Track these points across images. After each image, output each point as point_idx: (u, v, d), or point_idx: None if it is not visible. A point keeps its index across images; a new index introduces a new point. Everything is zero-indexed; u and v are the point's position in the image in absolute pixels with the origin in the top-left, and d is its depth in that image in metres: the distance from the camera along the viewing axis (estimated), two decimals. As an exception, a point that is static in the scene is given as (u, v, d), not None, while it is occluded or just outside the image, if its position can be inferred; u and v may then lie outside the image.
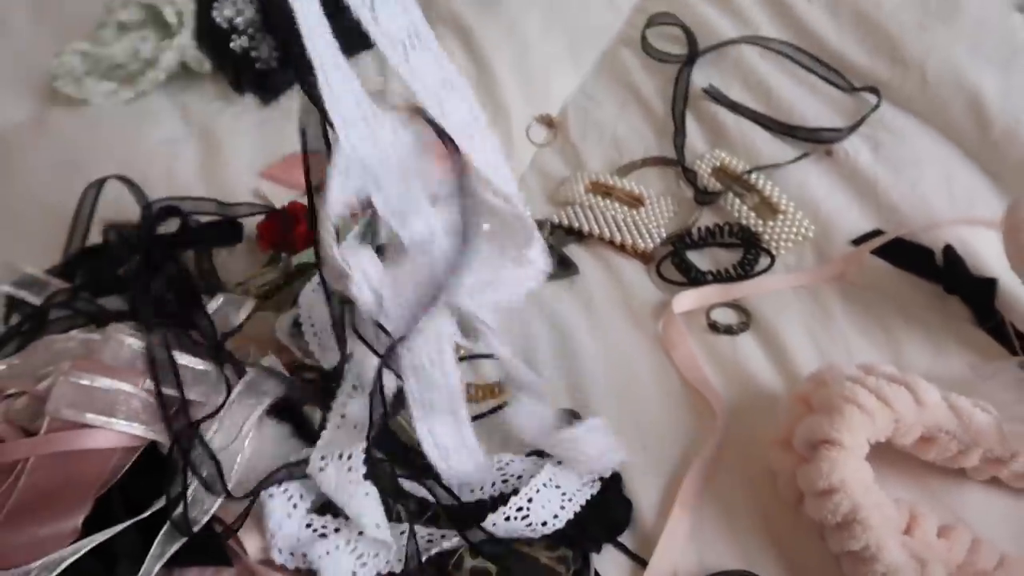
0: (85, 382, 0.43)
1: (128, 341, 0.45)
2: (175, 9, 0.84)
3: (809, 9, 0.80)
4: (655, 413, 0.54)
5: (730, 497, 0.49)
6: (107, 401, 0.43)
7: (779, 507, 0.47)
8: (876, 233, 0.61)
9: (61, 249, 0.67)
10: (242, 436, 0.46)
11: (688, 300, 0.59)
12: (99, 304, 0.55)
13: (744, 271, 0.60)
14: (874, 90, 0.71)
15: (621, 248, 0.65)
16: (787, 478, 0.45)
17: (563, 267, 0.64)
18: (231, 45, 0.83)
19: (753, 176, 0.66)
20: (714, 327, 0.58)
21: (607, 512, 0.49)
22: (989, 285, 0.55)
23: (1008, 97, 0.67)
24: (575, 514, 0.47)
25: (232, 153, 0.76)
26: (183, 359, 0.48)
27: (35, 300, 0.60)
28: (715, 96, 0.74)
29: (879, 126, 0.68)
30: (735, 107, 0.73)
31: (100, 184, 0.68)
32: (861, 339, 0.56)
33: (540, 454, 0.50)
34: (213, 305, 0.55)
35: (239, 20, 0.85)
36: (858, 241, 0.61)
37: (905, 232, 0.59)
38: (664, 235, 0.65)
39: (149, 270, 0.60)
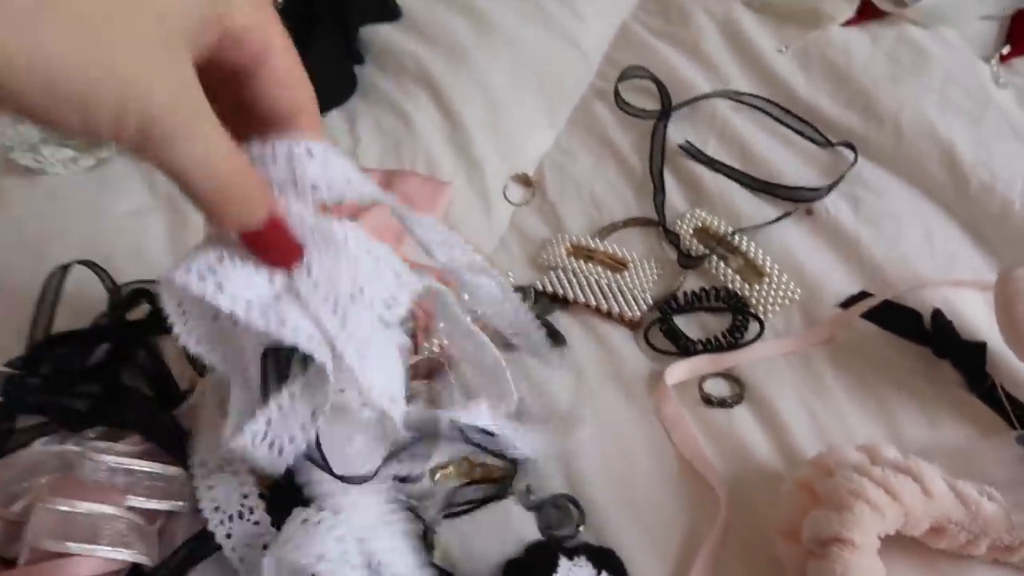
0: (64, 508, 0.40)
1: (106, 459, 0.43)
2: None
3: (781, 61, 0.80)
4: (654, 491, 0.53)
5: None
6: (89, 526, 0.40)
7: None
8: (863, 295, 0.61)
9: (21, 336, 0.64)
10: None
11: (679, 372, 0.58)
12: (69, 404, 0.53)
13: (734, 338, 0.60)
14: (850, 145, 0.71)
15: (607, 315, 0.64)
16: (796, 571, 0.44)
17: (550, 338, 0.62)
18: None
19: (736, 238, 0.66)
20: (708, 400, 0.57)
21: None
22: (979, 349, 0.55)
23: (981, 150, 0.68)
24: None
25: (202, 225, 0.73)
26: (155, 467, 0.45)
27: (-3, 398, 0.57)
28: (692, 153, 0.74)
29: (857, 182, 0.69)
30: (713, 164, 0.72)
31: (64, 270, 0.65)
32: (855, 409, 0.55)
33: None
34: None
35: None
36: (845, 304, 0.61)
37: (892, 294, 0.59)
38: (650, 301, 0.64)
39: (119, 360, 0.57)
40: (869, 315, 0.59)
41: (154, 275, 0.67)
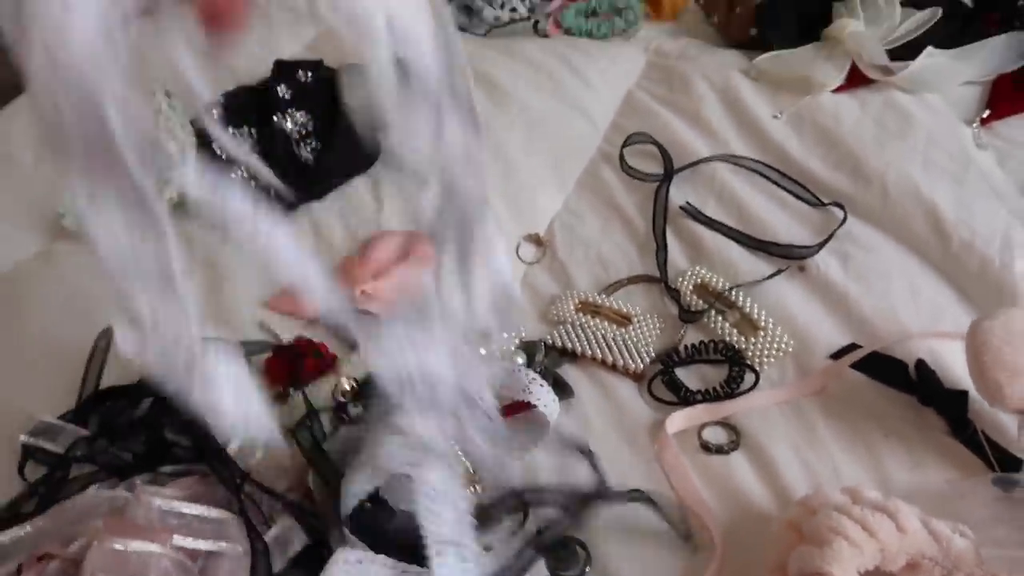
0: (118, 547, 0.45)
1: (156, 502, 0.47)
2: (178, 144, 0.89)
3: (776, 126, 0.86)
4: (654, 533, 0.57)
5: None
6: (139, 564, 0.45)
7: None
8: (852, 347, 0.65)
9: (71, 388, 0.69)
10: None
11: (679, 420, 0.62)
12: (118, 454, 0.58)
13: (731, 389, 0.64)
14: (840, 205, 0.76)
15: (613, 368, 0.68)
16: (785, 605, 0.48)
17: (559, 390, 0.67)
18: (231, 176, 0.88)
19: (733, 293, 0.70)
20: (706, 447, 0.61)
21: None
22: (961, 397, 0.59)
23: (962, 209, 0.72)
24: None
25: (236, 284, 0.79)
26: (198, 510, 0.50)
27: (52, 447, 0.62)
28: (692, 214, 0.79)
29: (847, 239, 0.73)
30: (711, 224, 0.77)
31: (107, 338, 0.71)
32: (844, 455, 0.59)
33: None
34: (232, 447, 0.58)
35: (239, 152, 0.90)
36: (836, 355, 0.65)
37: (879, 346, 0.63)
38: (652, 354, 0.68)
39: (163, 415, 0.62)
40: (858, 365, 0.63)
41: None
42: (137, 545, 0.46)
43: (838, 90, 0.88)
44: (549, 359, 0.69)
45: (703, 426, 0.62)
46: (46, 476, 0.58)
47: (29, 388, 0.70)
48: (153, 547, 0.46)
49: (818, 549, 0.45)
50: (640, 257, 0.77)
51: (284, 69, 0.98)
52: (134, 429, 0.62)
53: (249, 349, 0.71)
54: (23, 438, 0.63)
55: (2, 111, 1.09)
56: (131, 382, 0.67)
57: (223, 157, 0.88)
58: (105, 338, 0.71)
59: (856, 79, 0.88)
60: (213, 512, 0.50)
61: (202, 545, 0.47)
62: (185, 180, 0.89)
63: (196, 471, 0.56)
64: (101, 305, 0.77)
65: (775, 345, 0.66)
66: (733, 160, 0.83)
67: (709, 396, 0.64)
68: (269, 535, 0.49)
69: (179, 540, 0.47)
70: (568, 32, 1.09)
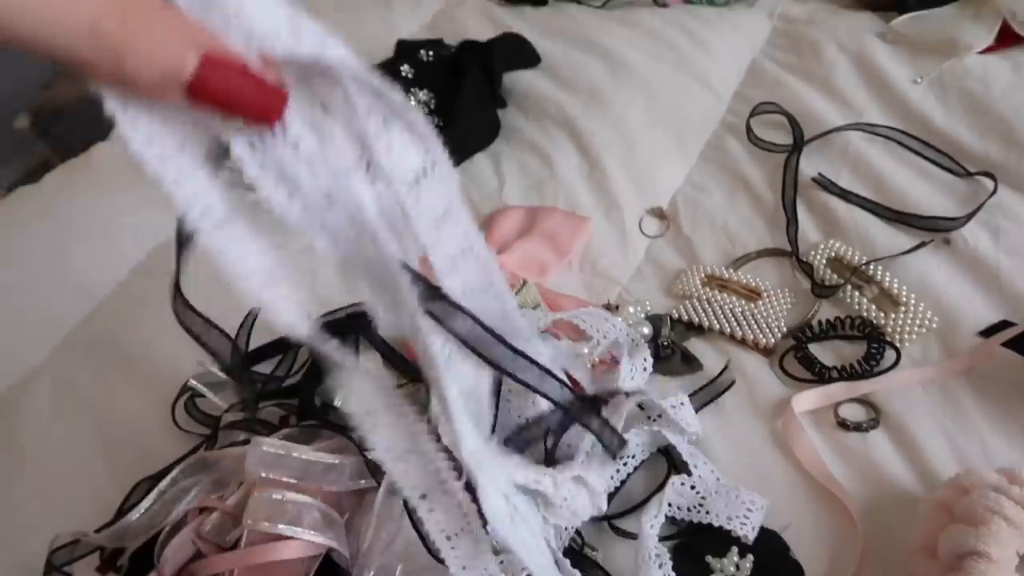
0: (277, 496, 0.48)
1: (269, 450, 0.51)
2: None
3: (916, 92, 0.81)
4: (787, 513, 0.56)
5: (874, 602, 0.50)
6: (295, 513, 0.48)
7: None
8: (1004, 324, 0.61)
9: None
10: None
11: (811, 398, 0.61)
12: (268, 423, 0.62)
13: (869, 366, 0.62)
14: (989, 175, 0.71)
15: (742, 342, 0.67)
16: (934, 587, 0.46)
17: (686, 363, 0.66)
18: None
19: (871, 268, 0.67)
20: (843, 425, 0.59)
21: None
22: None
23: None
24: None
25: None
26: (312, 455, 0.53)
27: (214, 398, 0.68)
28: (825, 185, 0.76)
29: (997, 212, 0.69)
30: (846, 195, 0.74)
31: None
32: (996, 436, 0.56)
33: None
34: (338, 400, 0.61)
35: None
36: (986, 333, 0.61)
37: (1035, 323, 0.59)
38: (784, 329, 0.67)
39: (315, 378, 0.66)
40: (1012, 344, 0.59)
41: (327, 302, 0.76)
42: (292, 496, 0.49)
43: (986, 51, 0.82)
44: (676, 332, 0.69)
45: (839, 404, 0.60)
46: (207, 437, 0.63)
47: (183, 351, 0.75)
48: (306, 498, 0.49)
49: (973, 529, 0.43)
50: (769, 231, 0.75)
51: (406, 49, 1.00)
52: (285, 393, 0.66)
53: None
54: (192, 382, 0.68)
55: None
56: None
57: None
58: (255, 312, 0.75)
59: (1008, 39, 0.82)
60: (352, 459, 0.52)
61: (351, 486, 0.50)
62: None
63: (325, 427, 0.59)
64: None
65: (918, 321, 0.64)
66: (869, 129, 0.79)
67: (846, 373, 0.62)
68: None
69: (328, 487, 0.50)
70: (688, 1, 1.07)
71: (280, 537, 0.48)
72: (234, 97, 0.28)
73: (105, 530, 0.57)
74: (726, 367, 0.64)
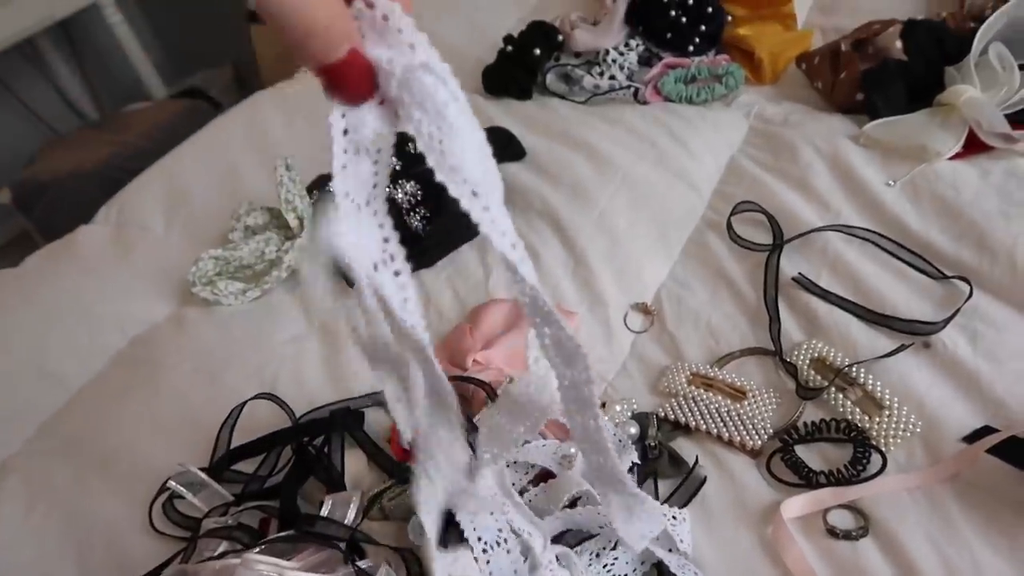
0: (257, 619, 0.47)
1: (263, 570, 0.49)
2: (296, 214, 0.94)
3: (890, 195, 0.84)
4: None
5: None
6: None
7: None
8: (987, 430, 0.62)
9: (195, 444, 0.73)
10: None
11: (800, 504, 0.60)
12: (249, 528, 0.60)
13: (856, 471, 0.62)
14: (964, 279, 0.73)
15: (728, 443, 0.67)
16: None
17: (673, 464, 0.66)
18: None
19: (854, 370, 0.68)
20: (833, 533, 0.59)
21: None
22: (1112, 489, 0.55)
23: (1102, 284, 0.69)
24: None
25: (352, 349, 0.82)
26: None
27: (194, 500, 0.66)
28: (805, 285, 0.78)
29: (974, 316, 0.70)
30: (827, 296, 0.76)
31: (244, 404, 0.74)
32: (984, 547, 0.56)
33: None
34: (324, 510, 0.60)
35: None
36: (969, 439, 0.62)
37: (1019, 430, 0.60)
38: (770, 430, 0.67)
39: (298, 479, 0.65)
40: (995, 450, 0.60)
41: (312, 398, 0.75)
42: (275, 618, 0.47)
43: (955, 157, 0.86)
44: (662, 432, 0.69)
45: (828, 509, 0.60)
46: (185, 547, 0.61)
47: (162, 448, 0.74)
48: (289, 619, 0.48)
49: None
50: (752, 329, 0.77)
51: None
52: (268, 495, 0.65)
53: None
54: (171, 483, 0.66)
55: (133, 182, 1.18)
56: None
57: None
58: (238, 409, 0.74)
59: (974, 146, 0.86)
60: None
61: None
62: (303, 249, 0.94)
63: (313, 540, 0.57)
64: (227, 372, 0.81)
65: (902, 425, 0.64)
66: (846, 230, 0.82)
67: (833, 478, 0.62)
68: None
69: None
70: (668, 99, 1.11)
71: (262, 659, 0.46)
72: (353, 87, 0.34)
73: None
74: (696, 462, 0.64)
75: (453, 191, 0.36)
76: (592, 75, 1.16)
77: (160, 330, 0.89)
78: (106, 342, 0.89)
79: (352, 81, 0.34)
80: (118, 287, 0.96)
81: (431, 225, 0.94)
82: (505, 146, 1.04)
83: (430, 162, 0.35)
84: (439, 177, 0.35)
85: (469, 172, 0.36)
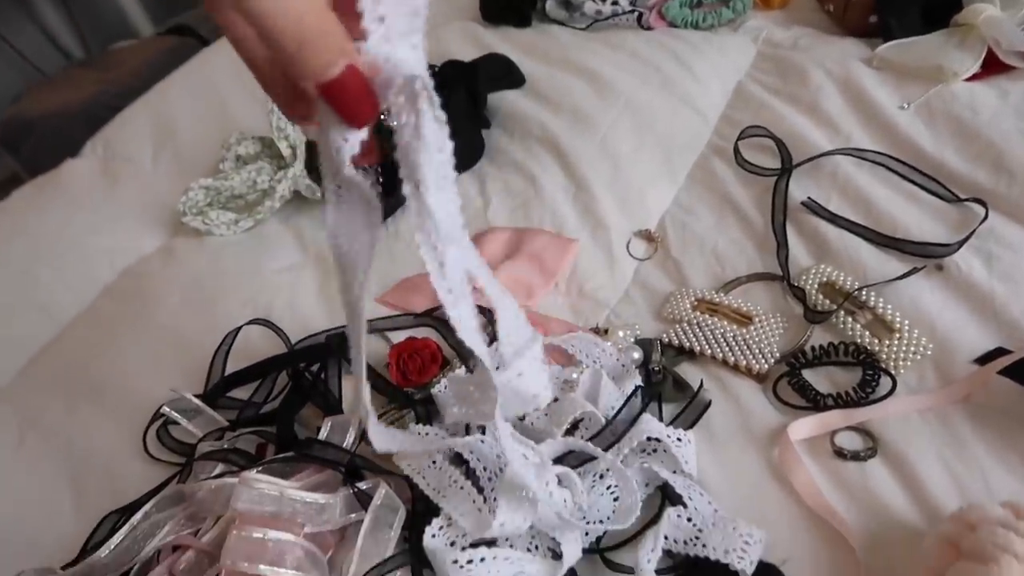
0: (257, 535, 0.46)
1: (263, 488, 0.48)
2: (288, 142, 0.91)
3: (904, 118, 0.81)
4: (786, 546, 0.54)
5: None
6: (277, 553, 0.46)
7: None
8: (999, 351, 0.60)
9: (193, 376, 0.72)
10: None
11: (807, 426, 0.59)
12: (246, 452, 0.59)
13: (865, 393, 0.60)
14: (980, 201, 0.71)
15: (734, 368, 0.66)
16: (941, 625, 0.44)
17: (678, 389, 0.65)
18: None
19: (864, 293, 0.66)
20: (841, 454, 0.57)
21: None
22: None
23: (1122, 204, 0.67)
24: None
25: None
26: (307, 496, 0.50)
27: (188, 425, 0.65)
28: (814, 209, 0.75)
29: (989, 238, 0.68)
30: (837, 220, 0.74)
31: (238, 329, 0.72)
32: (996, 466, 0.55)
33: None
34: (323, 433, 0.59)
35: (347, 149, 0.91)
36: (982, 360, 0.61)
37: (1031, 351, 0.59)
38: (777, 354, 0.65)
39: (295, 404, 0.63)
40: (1007, 372, 0.58)
41: (307, 325, 0.74)
42: (274, 534, 0.46)
43: (973, 79, 0.82)
44: (666, 357, 0.67)
45: (835, 431, 0.59)
46: (181, 468, 0.60)
47: (155, 377, 0.72)
48: (287, 536, 0.46)
49: (982, 567, 0.42)
50: (759, 254, 0.74)
51: (389, 68, 0.99)
52: (263, 421, 0.64)
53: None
54: (165, 409, 0.65)
55: (119, 116, 1.14)
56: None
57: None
58: (233, 334, 0.72)
59: (993, 66, 0.82)
60: (317, 497, 0.50)
61: (331, 527, 0.47)
62: (296, 176, 0.91)
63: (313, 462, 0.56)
64: (218, 301, 0.79)
65: (912, 348, 0.63)
66: (857, 153, 0.79)
67: (842, 400, 0.60)
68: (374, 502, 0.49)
69: (309, 528, 0.47)
70: (673, 24, 1.07)
71: (259, 577, 0.45)
72: (352, 105, 0.32)
73: (71, 568, 0.53)
74: (700, 386, 0.63)
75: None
76: (594, 0, 1.12)
77: (150, 261, 0.87)
78: (96, 274, 0.87)
79: (352, 99, 0.32)
80: (107, 220, 0.94)
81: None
82: (504, 73, 1.00)
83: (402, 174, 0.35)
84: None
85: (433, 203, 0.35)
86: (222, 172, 0.93)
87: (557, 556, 0.52)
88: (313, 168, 0.90)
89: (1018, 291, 0.64)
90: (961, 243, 0.68)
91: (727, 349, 0.66)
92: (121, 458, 0.66)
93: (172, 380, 0.71)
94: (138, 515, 0.53)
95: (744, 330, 0.68)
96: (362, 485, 0.54)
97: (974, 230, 0.68)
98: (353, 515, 0.52)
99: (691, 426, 0.62)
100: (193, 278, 0.83)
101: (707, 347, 0.67)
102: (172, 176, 0.99)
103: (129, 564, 0.51)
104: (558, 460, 0.57)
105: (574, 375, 0.64)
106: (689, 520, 0.54)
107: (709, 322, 0.69)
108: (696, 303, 0.71)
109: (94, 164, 1.06)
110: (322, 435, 0.58)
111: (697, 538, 0.53)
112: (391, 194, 0.35)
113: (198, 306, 0.79)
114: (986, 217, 0.69)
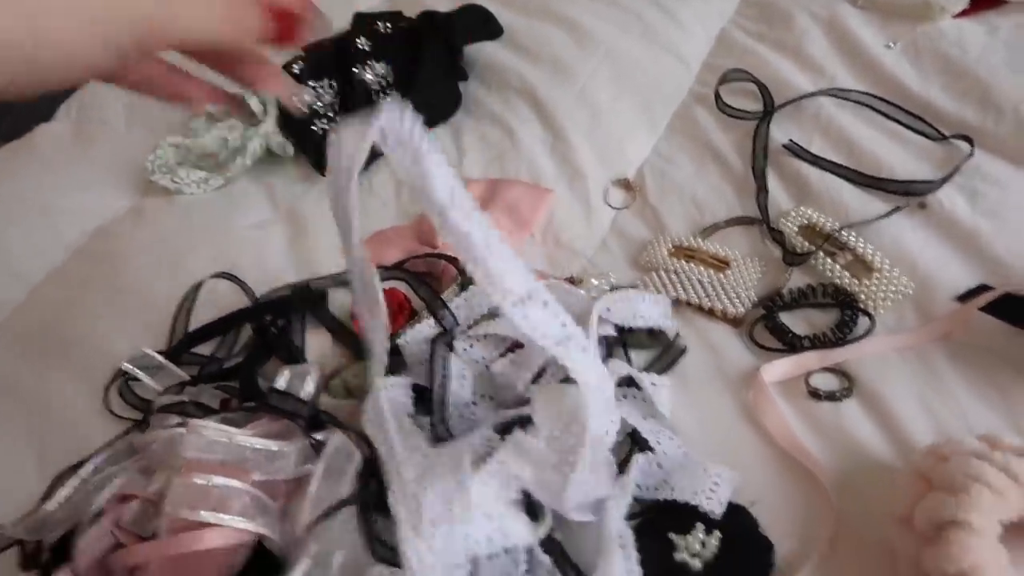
0: (201, 481, 0.44)
1: (209, 435, 0.46)
2: (259, 98, 0.88)
3: (890, 57, 0.78)
4: (756, 488, 0.52)
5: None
6: (220, 498, 0.44)
7: (902, 589, 0.45)
8: (982, 288, 0.58)
9: (157, 333, 0.70)
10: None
11: (781, 367, 0.57)
12: (206, 406, 0.57)
13: (843, 334, 0.58)
14: (966, 138, 0.68)
15: (710, 313, 0.64)
16: (910, 560, 0.43)
17: (652, 336, 0.63)
18: (312, 128, 0.87)
19: (843, 234, 0.64)
20: (815, 394, 0.56)
21: (750, 554, 0.48)
22: (1114, 341, 0.52)
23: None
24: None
25: (318, 233, 0.78)
26: (257, 443, 0.49)
27: (149, 381, 0.63)
28: (796, 152, 0.73)
29: (975, 175, 0.66)
30: (818, 161, 0.71)
31: (199, 283, 0.71)
32: (976, 403, 0.53)
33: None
34: (281, 382, 0.57)
35: (319, 105, 0.89)
36: (963, 297, 0.58)
37: (1015, 286, 0.56)
38: (754, 298, 0.63)
39: (259, 358, 0.62)
40: (990, 308, 0.56)
41: (276, 281, 0.72)
42: (218, 480, 0.45)
43: (961, 15, 0.79)
44: (641, 305, 0.65)
45: (810, 373, 0.57)
46: (137, 422, 0.59)
47: (119, 329, 0.71)
48: (234, 482, 0.45)
49: (953, 497, 0.40)
50: (738, 199, 0.72)
51: (363, 21, 0.96)
52: (226, 376, 0.62)
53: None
54: (125, 365, 0.64)
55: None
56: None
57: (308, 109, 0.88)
58: (194, 289, 0.71)
59: (982, 3, 0.79)
60: (287, 446, 0.48)
61: (281, 476, 0.46)
62: (268, 133, 0.89)
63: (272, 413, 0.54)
64: (188, 258, 0.78)
65: (892, 287, 0.60)
66: (840, 94, 0.76)
67: (818, 342, 0.58)
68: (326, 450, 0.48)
69: (257, 475, 0.46)
70: (656, -27, 1.03)
71: (204, 525, 0.44)
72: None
73: (22, 521, 0.52)
74: (676, 336, 0.61)
75: None
76: (575, -50, 1.08)
77: (120, 222, 0.85)
78: (66, 236, 0.86)
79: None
80: (78, 182, 0.92)
81: None
82: (481, 24, 0.97)
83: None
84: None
85: None
86: (191, 130, 0.91)
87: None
88: (285, 125, 0.88)
89: (1003, 227, 0.62)
90: (945, 179, 0.65)
91: (703, 294, 0.64)
92: (84, 417, 0.65)
93: (139, 338, 0.70)
94: (88, 467, 0.51)
95: (721, 275, 0.66)
96: (319, 436, 0.52)
97: (958, 166, 0.66)
98: (309, 465, 0.50)
99: (664, 372, 0.60)
100: (163, 236, 0.81)
101: (683, 293, 0.65)
102: (146, 138, 0.96)
103: (80, 517, 0.50)
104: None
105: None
106: (658, 465, 0.53)
107: (686, 268, 0.67)
108: (673, 250, 0.69)
109: (67, 127, 1.04)
110: (280, 383, 0.56)
111: (666, 482, 0.52)
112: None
113: (166, 264, 0.77)
114: (972, 153, 0.67)
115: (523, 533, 0.47)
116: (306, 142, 0.87)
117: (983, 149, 0.68)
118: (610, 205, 0.76)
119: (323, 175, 0.85)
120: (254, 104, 0.88)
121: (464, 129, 0.86)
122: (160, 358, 0.63)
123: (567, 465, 0.45)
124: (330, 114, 0.88)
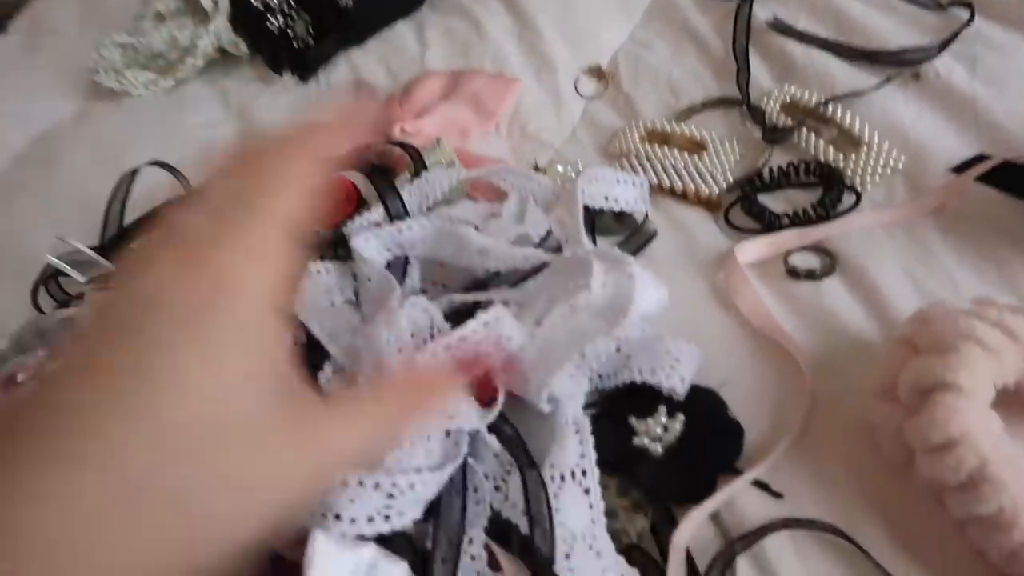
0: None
1: None
2: (212, -3, 0.82)
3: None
4: (729, 368, 0.48)
5: (824, 458, 0.43)
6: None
7: (882, 467, 0.41)
8: (980, 158, 0.53)
9: (93, 233, 0.66)
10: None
11: (757, 247, 0.52)
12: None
13: (825, 211, 0.53)
14: (966, 3, 0.62)
15: (683, 197, 0.59)
16: (892, 434, 0.38)
17: (618, 221, 0.58)
18: (267, 25, 0.81)
19: (829, 107, 0.59)
20: (793, 273, 0.51)
21: (716, 437, 0.44)
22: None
23: None
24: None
25: (270, 132, 0.73)
26: None
27: (75, 273, 0.59)
28: (781, 28, 0.67)
29: (975, 42, 0.60)
30: (804, 37, 0.65)
31: (134, 172, 0.66)
32: (969, 274, 0.48)
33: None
34: None
35: (274, 0, 0.83)
36: (959, 168, 0.53)
37: (1015, 155, 0.51)
38: (731, 180, 0.58)
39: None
40: (988, 178, 0.51)
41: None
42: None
43: None
44: (608, 191, 0.60)
45: (789, 252, 0.52)
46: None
47: (57, 233, 0.66)
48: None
49: (939, 358, 0.35)
50: (717, 82, 0.67)
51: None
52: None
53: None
54: (49, 258, 0.59)
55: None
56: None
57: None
58: (127, 179, 0.66)
59: None
60: None
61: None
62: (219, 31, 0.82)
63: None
64: (132, 160, 0.73)
65: (882, 161, 0.55)
66: (831, -33, 0.70)
67: (798, 219, 0.54)
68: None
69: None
70: None
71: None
72: None
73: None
74: (646, 218, 0.56)
75: None
76: None
77: (63, 125, 0.80)
78: (7, 143, 0.81)
79: None
80: (23, 88, 0.87)
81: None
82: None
83: None
84: None
85: None
86: (138, 29, 0.85)
87: None
88: (237, 22, 0.82)
89: (1003, 92, 0.56)
90: (943, 46, 0.60)
91: (675, 178, 0.59)
92: (14, 317, 0.61)
93: (74, 236, 0.65)
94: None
95: (696, 158, 0.61)
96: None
97: (957, 32, 0.60)
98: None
99: (633, 255, 0.55)
100: (105, 137, 0.76)
101: (654, 177, 0.60)
102: (93, 38, 0.91)
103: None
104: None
105: (503, 209, 0.57)
106: (617, 349, 0.48)
107: (658, 152, 0.62)
108: (645, 135, 0.64)
109: (17, 40, 0.98)
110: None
111: (627, 366, 0.47)
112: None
113: (108, 163, 0.72)
114: (971, 20, 0.61)
115: (471, 416, 0.43)
116: (260, 40, 0.81)
117: (984, 16, 0.62)
118: (580, 94, 0.71)
119: (279, 74, 0.80)
120: (204, 1, 0.82)
121: (428, 24, 0.81)
122: (86, 249, 0.59)
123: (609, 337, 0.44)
124: (284, 8, 0.82)
